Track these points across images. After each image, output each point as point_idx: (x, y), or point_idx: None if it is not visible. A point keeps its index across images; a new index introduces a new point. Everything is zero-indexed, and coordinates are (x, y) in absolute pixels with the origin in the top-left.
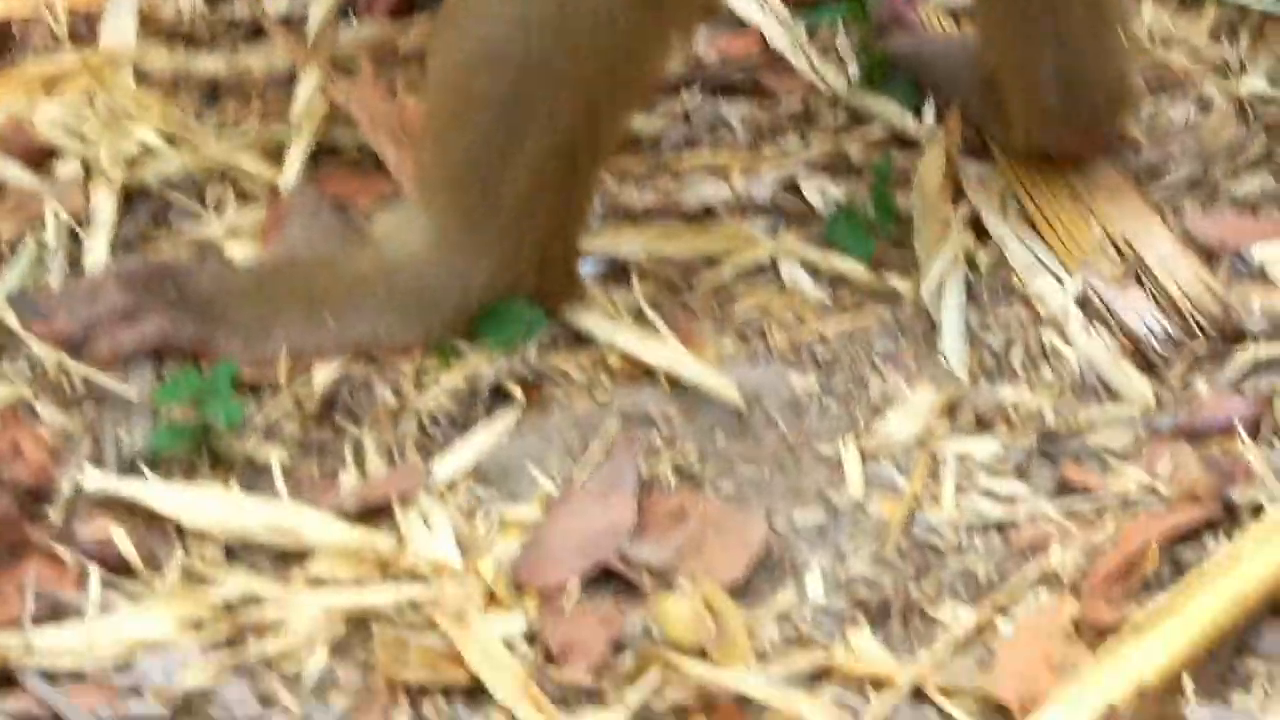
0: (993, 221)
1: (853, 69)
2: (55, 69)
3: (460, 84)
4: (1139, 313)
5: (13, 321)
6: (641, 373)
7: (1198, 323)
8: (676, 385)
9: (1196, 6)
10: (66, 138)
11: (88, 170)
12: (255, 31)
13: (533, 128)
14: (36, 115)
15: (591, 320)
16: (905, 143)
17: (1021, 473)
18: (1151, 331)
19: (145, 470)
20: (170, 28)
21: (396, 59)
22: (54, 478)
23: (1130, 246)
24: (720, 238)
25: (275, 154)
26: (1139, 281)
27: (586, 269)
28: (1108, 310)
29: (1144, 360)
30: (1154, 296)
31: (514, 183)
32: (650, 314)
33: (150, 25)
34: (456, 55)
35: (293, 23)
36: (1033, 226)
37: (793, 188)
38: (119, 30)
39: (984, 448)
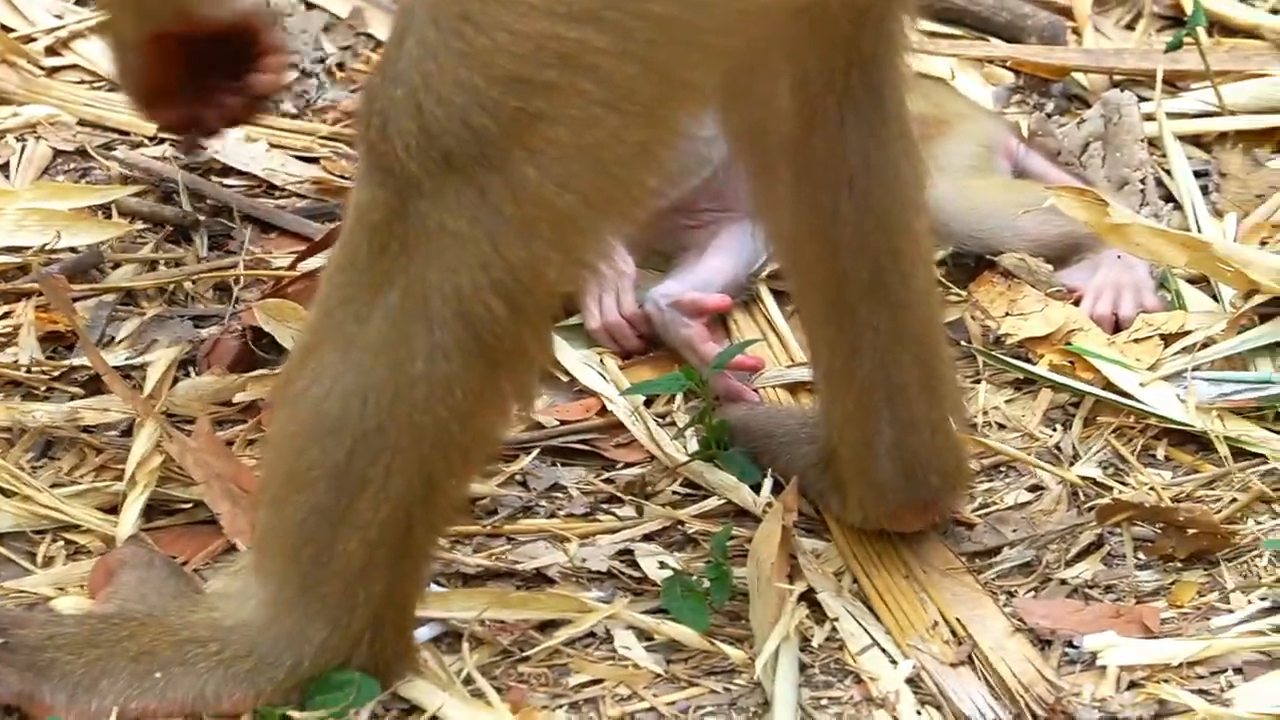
0: (827, 599)
1: (691, 441)
2: None
3: (295, 450)
4: (970, 696)
5: None
6: None
7: (1030, 709)
8: None
9: (1030, 391)
10: None
11: None
12: (93, 381)
13: (366, 497)
14: None
15: (422, 690)
16: (742, 515)
17: None
18: (983, 715)
19: None
20: (7, 377)
21: (234, 413)
22: None
23: (964, 628)
24: (555, 605)
25: (110, 508)
26: (971, 664)
27: (420, 634)
28: (940, 692)
29: None
30: (986, 680)
31: (348, 551)
32: (481, 683)
33: None
34: (292, 423)
35: (131, 375)
36: (867, 604)
37: (628, 556)
38: None
39: None
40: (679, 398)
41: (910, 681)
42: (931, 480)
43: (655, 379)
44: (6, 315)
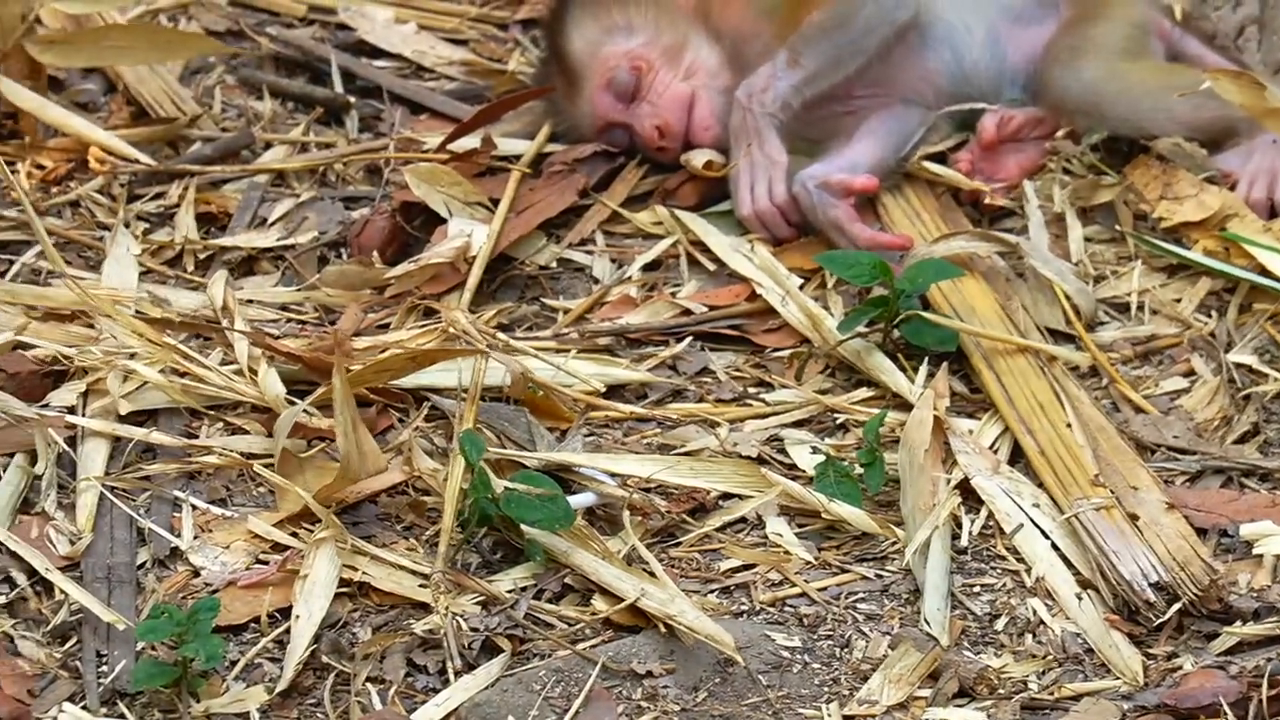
0: (981, 483)
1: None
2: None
3: None
4: (1134, 557)
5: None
6: (627, 623)
7: (1186, 585)
8: (664, 634)
9: (1186, 276)
10: (65, 365)
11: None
12: (245, 262)
13: None
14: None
15: (584, 559)
16: (896, 400)
17: None
18: (1145, 577)
19: (125, 709)
20: (163, 257)
21: (385, 300)
22: (32, 714)
23: (1120, 503)
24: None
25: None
26: (1133, 524)
27: (577, 502)
28: (1100, 549)
29: (1131, 632)
30: (1150, 546)
31: None
32: (645, 553)
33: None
34: None
35: (284, 256)
36: (1026, 469)
37: (778, 442)
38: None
39: (967, 716)
40: (830, 281)
41: (1065, 557)
42: None
43: (846, 259)
44: (160, 196)
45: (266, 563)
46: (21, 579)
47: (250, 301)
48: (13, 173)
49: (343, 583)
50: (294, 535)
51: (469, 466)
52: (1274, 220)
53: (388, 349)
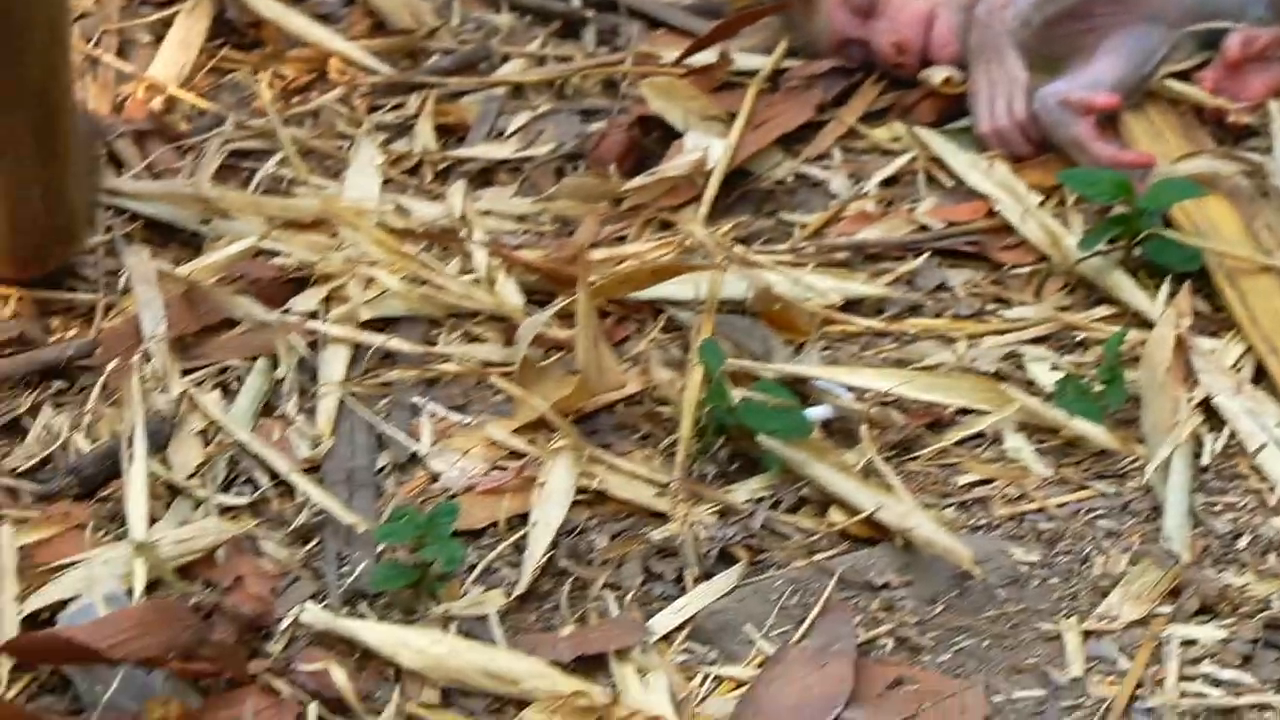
0: (1224, 402)
1: (1084, 240)
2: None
3: None
4: None
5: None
6: (863, 535)
7: None
8: (901, 547)
9: None
10: (306, 272)
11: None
12: (482, 174)
13: None
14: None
15: (820, 471)
16: (1137, 319)
17: (1246, 661)
18: None
19: (365, 609)
20: (403, 166)
21: (621, 212)
22: (275, 611)
23: None
24: (957, 390)
25: None
26: None
27: (813, 414)
28: None
29: None
30: None
31: None
32: (882, 466)
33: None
34: None
35: (521, 167)
36: (1271, 389)
37: (1016, 359)
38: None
39: (1208, 634)
40: (1070, 198)
41: None
42: (37, 236)
43: (1087, 176)
44: (399, 107)
45: (504, 469)
46: (264, 481)
47: (488, 213)
48: (255, 82)
49: (580, 490)
50: (531, 443)
51: (706, 377)
52: None
53: (625, 261)
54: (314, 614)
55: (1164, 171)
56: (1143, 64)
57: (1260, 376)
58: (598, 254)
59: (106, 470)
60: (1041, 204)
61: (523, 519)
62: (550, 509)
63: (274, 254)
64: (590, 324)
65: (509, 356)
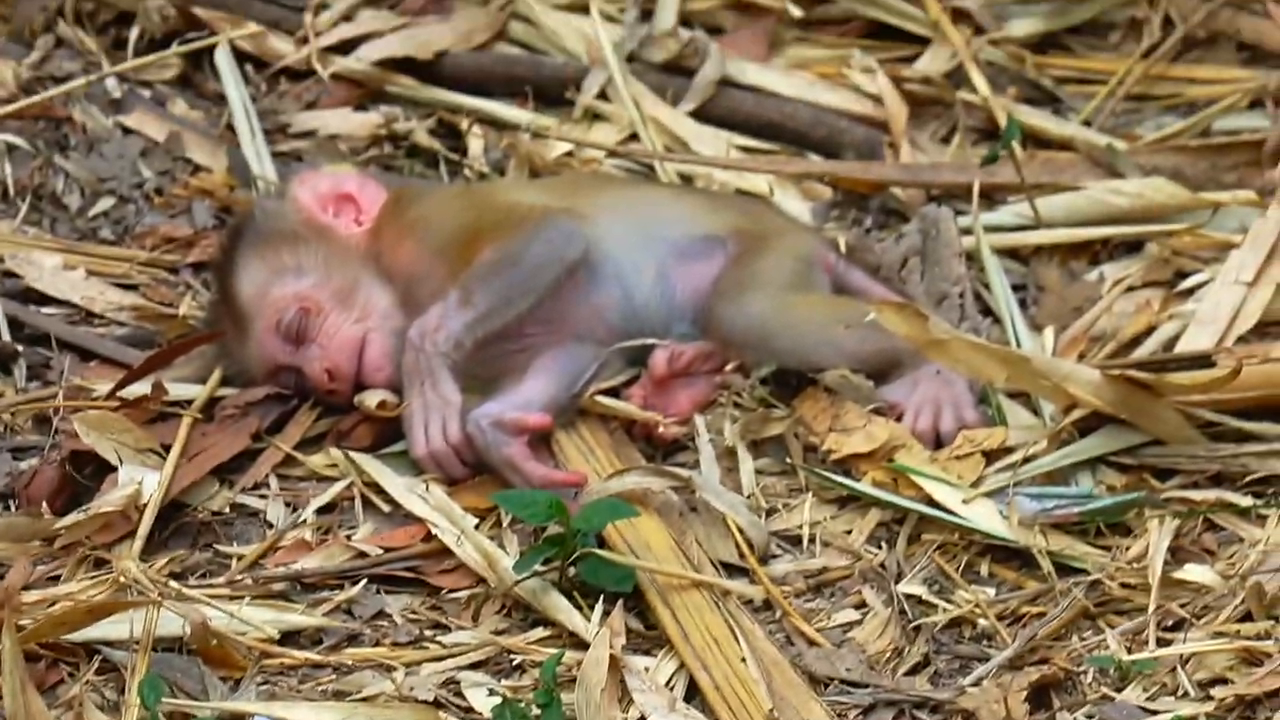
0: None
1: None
2: None
3: None
4: None
5: None
6: None
7: None
8: None
9: (855, 508)
10: None
11: None
12: None
13: None
14: None
15: None
16: (574, 639)
17: None
18: None
19: None
20: None
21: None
22: None
23: None
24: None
25: None
26: None
27: None
28: None
29: None
30: None
31: None
32: None
33: None
34: None
35: None
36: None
37: (455, 685)
38: None
39: None
40: (505, 520)
41: None
42: None
43: (521, 499)
44: None
45: None
46: None
47: None
48: None
49: None
50: None
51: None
52: (940, 450)
53: (58, 602)
54: None
55: (597, 489)
56: (573, 382)
57: (693, 693)
58: (30, 596)
59: None
60: (478, 526)
61: None
62: None
63: None
64: (17, 673)
65: None
